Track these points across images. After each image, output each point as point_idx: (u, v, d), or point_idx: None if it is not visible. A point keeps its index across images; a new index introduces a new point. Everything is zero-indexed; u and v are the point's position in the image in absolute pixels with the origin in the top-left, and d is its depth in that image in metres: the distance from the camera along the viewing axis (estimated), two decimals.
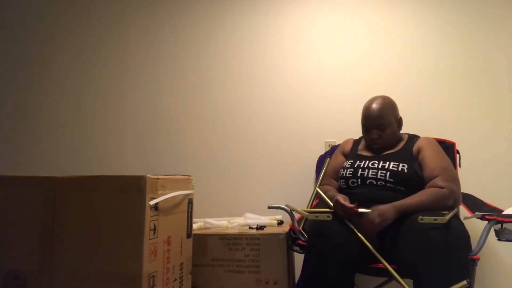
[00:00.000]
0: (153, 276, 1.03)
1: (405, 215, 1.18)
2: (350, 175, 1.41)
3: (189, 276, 1.31)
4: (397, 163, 1.35)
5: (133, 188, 1.01)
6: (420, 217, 1.10)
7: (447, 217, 1.08)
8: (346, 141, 1.65)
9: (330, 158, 1.67)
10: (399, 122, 1.49)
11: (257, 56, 2.08)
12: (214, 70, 2.12)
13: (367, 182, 1.37)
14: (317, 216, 1.20)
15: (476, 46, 1.88)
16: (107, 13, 2.26)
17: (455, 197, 1.26)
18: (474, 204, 1.38)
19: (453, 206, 1.26)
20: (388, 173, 1.34)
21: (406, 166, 1.34)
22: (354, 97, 1.91)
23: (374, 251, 1.16)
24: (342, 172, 1.46)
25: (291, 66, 2.04)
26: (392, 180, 1.32)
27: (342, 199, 1.25)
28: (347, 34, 2.00)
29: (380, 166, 1.36)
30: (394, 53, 1.94)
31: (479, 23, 1.88)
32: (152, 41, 2.20)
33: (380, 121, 1.41)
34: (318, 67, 2.00)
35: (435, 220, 1.07)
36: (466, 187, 1.69)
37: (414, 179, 1.32)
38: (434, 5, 1.93)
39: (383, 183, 1.33)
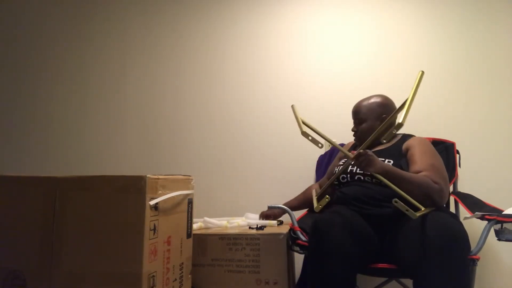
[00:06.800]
0: (153, 276, 1.03)
1: (404, 218, 1.18)
2: (341, 171, 1.44)
3: (189, 276, 1.31)
4: (383, 159, 1.35)
5: (133, 188, 1.00)
6: (395, 199, 1.08)
7: (418, 214, 1.07)
8: (347, 144, 1.69)
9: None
10: (383, 121, 1.47)
11: (258, 56, 2.08)
12: (214, 71, 2.12)
13: (356, 177, 1.39)
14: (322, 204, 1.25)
15: (476, 46, 1.88)
16: (109, 14, 2.26)
17: (442, 196, 1.25)
18: (474, 204, 1.38)
19: (438, 203, 1.24)
20: None
21: (392, 161, 1.34)
22: (354, 97, 1.90)
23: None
24: (335, 170, 1.51)
25: (292, 66, 2.04)
26: None
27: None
28: (348, 36, 2.00)
29: None
30: (394, 53, 1.95)
31: (479, 23, 1.88)
32: (153, 42, 2.20)
33: (357, 116, 1.51)
34: (318, 67, 2.01)
35: (407, 210, 1.06)
36: (466, 187, 1.70)
37: None
38: (433, 5, 1.93)
39: (370, 178, 1.35)
